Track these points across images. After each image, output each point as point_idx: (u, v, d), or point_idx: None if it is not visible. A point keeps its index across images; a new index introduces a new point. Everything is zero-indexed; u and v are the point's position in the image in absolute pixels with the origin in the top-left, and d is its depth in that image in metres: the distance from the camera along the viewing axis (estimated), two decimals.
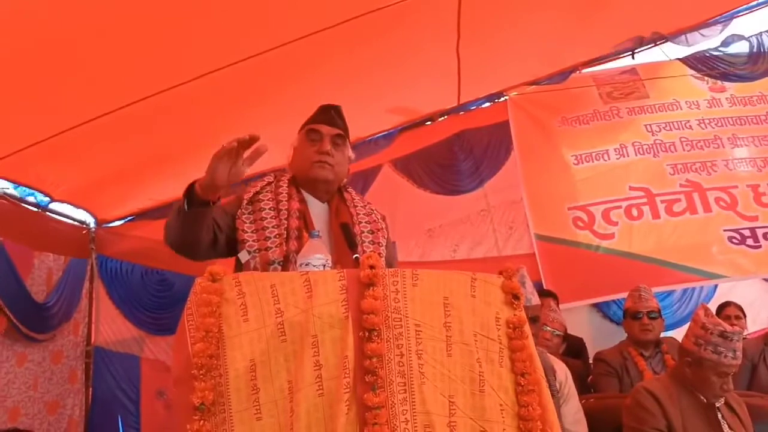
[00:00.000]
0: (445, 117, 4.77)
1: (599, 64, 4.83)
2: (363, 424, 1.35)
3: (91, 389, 4.23)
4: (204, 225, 1.76)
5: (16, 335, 3.66)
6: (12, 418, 3.56)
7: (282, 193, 1.95)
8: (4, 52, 2.42)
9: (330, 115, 2.06)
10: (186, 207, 1.69)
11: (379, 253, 1.93)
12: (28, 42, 2.42)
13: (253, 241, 1.85)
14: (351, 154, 2.11)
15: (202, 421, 1.36)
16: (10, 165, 3.30)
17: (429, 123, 4.76)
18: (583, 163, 4.69)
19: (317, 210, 2.00)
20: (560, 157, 4.70)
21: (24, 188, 3.68)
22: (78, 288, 4.25)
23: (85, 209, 4.23)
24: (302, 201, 1.98)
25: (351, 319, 1.41)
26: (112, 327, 4.31)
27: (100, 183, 3.90)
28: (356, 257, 1.83)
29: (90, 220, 4.33)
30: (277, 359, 1.39)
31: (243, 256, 1.81)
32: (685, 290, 4.92)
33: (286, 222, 1.87)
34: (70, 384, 4.09)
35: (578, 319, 4.39)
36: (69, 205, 4.08)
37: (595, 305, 4.64)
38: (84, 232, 4.32)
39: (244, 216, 1.90)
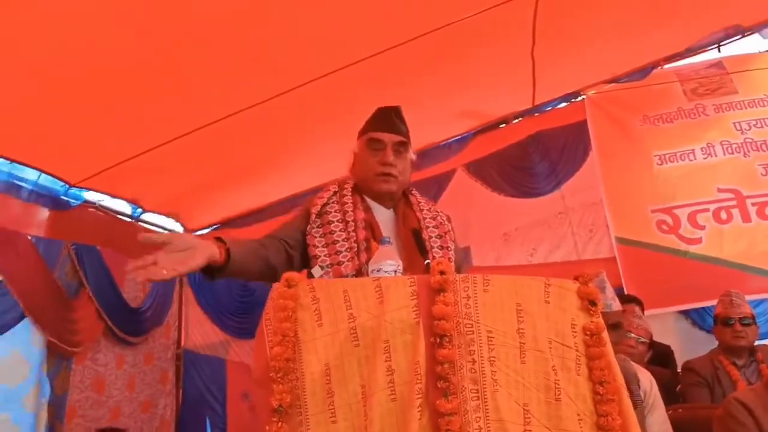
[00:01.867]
0: (520, 119, 4.70)
1: (683, 58, 4.61)
2: (436, 430, 1.35)
3: (181, 390, 4.45)
4: (248, 266, 1.75)
5: (114, 339, 3.90)
6: (114, 417, 3.79)
7: (347, 203, 1.94)
8: (100, 78, 2.60)
9: (390, 119, 2.02)
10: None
11: (449, 258, 1.91)
12: (119, 68, 2.59)
13: (325, 256, 1.85)
14: (413, 156, 2.07)
15: (280, 423, 1.39)
16: (106, 179, 3.53)
17: (503, 126, 4.71)
18: (667, 163, 4.48)
19: (383, 217, 1.99)
20: (642, 157, 4.51)
21: (118, 200, 3.92)
22: (169, 293, 4.47)
23: (174, 218, 4.46)
24: (367, 209, 1.97)
25: (422, 324, 1.42)
26: (200, 331, 4.51)
27: (187, 193, 4.11)
28: (427, 263, 1.83)
29: (179, 229, 4.56)
30: (351, 363, 1.42)
31: (316, 272, 1.82)
32: None
33: (354, 234, 1.86)
34: (161, 385, 4.32)
35: (665, 326, 4.20)
36: (159, 215, 4.32)
37: (683, 312, 4.44)
38: None
39: (313, 231, 1.91)
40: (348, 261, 1.82)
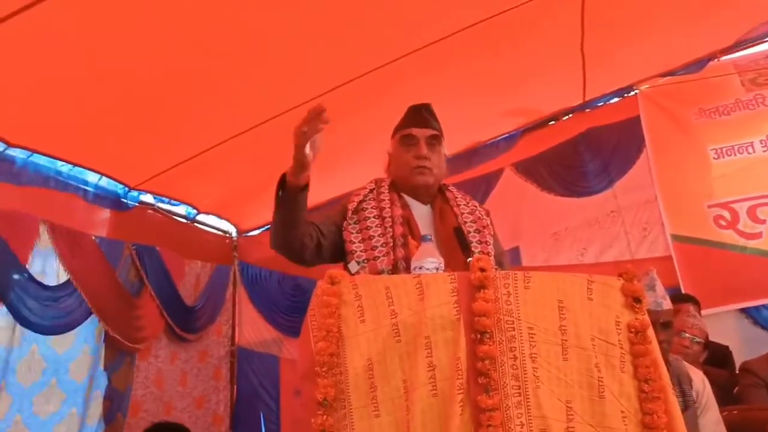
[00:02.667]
0: (570, 116, 4.62)
1: (741, 49, 4.44)
2: (477, 425, 1.37)
3: (235, 387, 4.57)
4: (302, 213, 1.81)
5: (171, 336, 4.05)
6: (167, 411, 3.92)
7: (384, 200, 1.98)
8: (157, 86, 2.72)
9: (422, 115, 2.07)
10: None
11: (488, 252, 1.91)
12: (174, 75, 2.70)
13: (361, 251, 1.89)
14: (446, 151, 2.10)
15: (325, 416, 1.44)
16: (163, 181, 3.67)
17: (552, 123, 4.64)
18: (724, 156, 4.33)
19: (420, 212, 2.01)
20: (698, 151, 4.37)
21: (175, 202, 4.07)
22: (222, 292, 4.60)
23: (227, 220, 4.60)
24: (405, 206, 1.99)
25: (462, 321, 1.43)
26: (253, 329, 4.62)
27: (240, 195, 4.21)
28: (470, 261, 1.84)
29: (232, 230, 4.70)
30: (393, 359, 1.45)
31: (353, 267, 1.86)
32: None
33: (391, 230, 1.89)
34: (215, 381, 4.44)
35: (724, 325, 4.05)
36: (213, 216, 4.45)
37: (744, 310, 4.27)
38: (227, 240, 4.69)
39: (350, 227, 1.94)
40: (383, 256, 1.85)
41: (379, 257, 1.85)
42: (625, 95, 4.58)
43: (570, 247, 4.48)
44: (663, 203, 4.35)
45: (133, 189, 3.68)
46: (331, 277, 1.53)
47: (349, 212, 1.98)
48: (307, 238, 1.87)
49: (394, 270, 1.82)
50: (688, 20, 3.78)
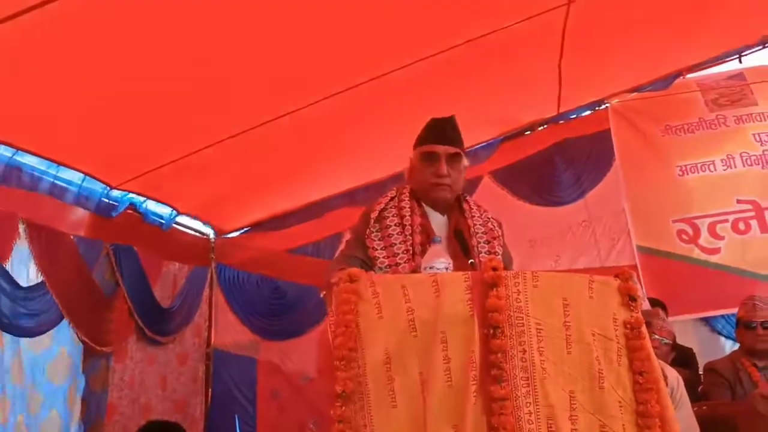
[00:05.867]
0: (545, 126, 4.81)
1: (705, 68, 4.71)
2: (490, 413, 1.47)
3: (210, 389, 4.56)
4: None
5: (143, 338, 3.98)
6: (144, 414, 3.87)
7: (405, 207, 2.06)
8: (142, 85, 2.72)
9: (444, 131, 2.11)
10: None
11: None
12: (159, 76, 2.71)
13: (384, 257, 1.98)
14: (466, 162, 2.18)
15: (343, 408, 1.52)
16: (144, 182, 3.66)
17: (528, 133, 4.82)
18: (688, 174, 4.59)
19: (437, 221, 2.11)
20: (664, 167, 4.61)
21: (155, 202, 4.05)
22: (198, 294, 4.58)
23: (206, 221, 4.60)
24: (423, 215, 2.09)
25: (476, 317, 1.53)
26: (230, 331, 4.62)
27: (220, 197, 4.23)
28: (471, 262, 1.95)
29: (210, 232, 4.70)
30: (410, 353, 1.54)
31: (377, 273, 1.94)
32: None
33: (410, 238, 1.99)
34: (194, 384, 4.43)
35: (684, 332, 4.27)
36: (192, 218, 4.45)
37: (702, 318, 4.53)
38: (205, 242, 4.69)
39: (372, 235, 2.03)
40: (405, 263, 1.95)
41: (400, 264, 1.95)
42: (597, 108, 4.80)
43: (545, 254, 4.65)
44: (630, 215, 4.57)
45: (115, 188, 3.66)
46: (350, 275, 1.60)
47: (372, 221, 2.06)
48: None
49: None
50: (658, 39, 3.99)
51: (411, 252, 1.96)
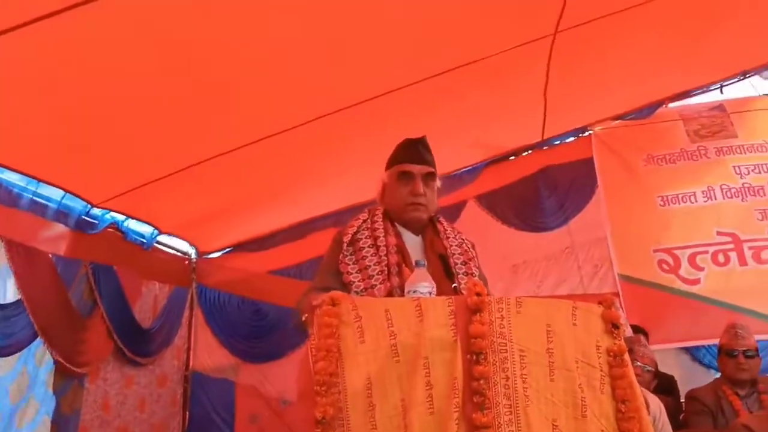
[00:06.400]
0: (530, 152, 4.86)
1: (687, 98, 4.79)
2: None
3: (188, 412, 4.47)
4: None
5: (122, 359, 3.92)
6: None
7: (378, 228, 2.06)
8: (125, 102, 2.70)
9: (418, 151, 2.14)
10: None
11: None
12: (143, 93, 2.68)
13: (359, 281, 1.95)
14: (439, 183, 2.19)
15: None
16: (126, 200, 3.62)
17: (513, 158, 4.86)
18: (669, 204, 4.65)
19: (412, 242, 2.10)
20: (646, 197, 4.67)
21: (137, 221, 4.00)
22: (179, 315, 4.52)
23: (188, 241, 4.55)
24: (398, 235, 2.08)
25: (459, 342, 1.52)
26: (210, 353, 4.55)
27: (203, 216, 4.19)
28: (454, 286, 1.94)
29: (192, 252, 4.65)
30: (391, 378, 1.52)
31: None
32: None
33: (386, 258, 1.97)
34: (172, 407, 4.33)
35: (666, 360, 4.29)
36: (174, 237, 4.40)
37: (683, 348, 4.55)
38: (186, 262, 4.63)
39: (346, 258, 2.02)
40: (380, 284, 1.93)
41: (376, 285, 1.93)
42: (581, 135, 4.86)
43: (528, 279, 4.67)
44: (612, 244, 4.60)
45: (96, 206, 3.61)
46: (332, 298, 1.58)
47: (345, 245, 2.04)
48: None
49: (390, 297, 1.89)
50: (642, 68, 4.06)
51: (386, 272, 1.94)
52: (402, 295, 1.84)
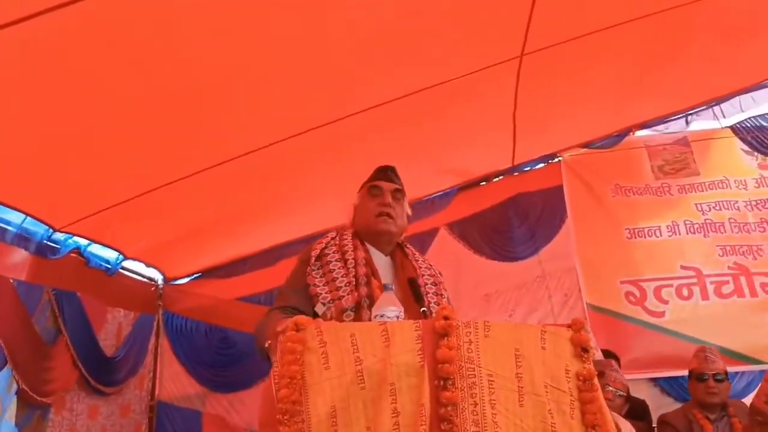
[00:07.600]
0: (501, 178, 4.89)
1: (653, 125, 4.89)
2: None
3: None
4: None
5: (87, 388, 3.80)
6: None
7: (347, 244, 2.07)
8: (87, 125, 2.64)
9: (387, 173, 2.24)
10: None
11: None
12: (107, 114, 2.62)
13: (326, 293, 1.94)
14: (409, 210, 2.25)
15: None
16: (89, 224, 3.53)
17: (484, 184, 4.88)
18: (636, 237, 4.76)
19: (381, 262, 2.11)
20: (614, 228, 4.77)
21: (101, 246, 3.90)
22: (145, 343, 4.40)
23: (154, 267, 4.45)
24: (367, 251, 2.09)
25: (426, 368, 1.48)
26: (176, 382, 4.43)
27: (169, 241, 4.11)
28: (423, 310, 1.92)
29: (158, 277, 4.54)
30: (357, 406, 1.47)
31: (319, 308, 1.91)
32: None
33: (354, 270, 1.97)
34: None
35: (636, 391, 4.29)
36: (140, 263, 4.30)
37: (653, 379, 4.58)
38: (152, 288, 4.53)
39: (313, 272, 2.01)
40: (348, 294, 1.91)
41: (343, 296, 1.91)
42: (550, 161, 4.91)
43: (500, 308, 4.68)
44: (581, 274, 4.68)
45: (58, 231, 3.51)
46: (297, 323, 1.53)
47: (312, 259, 2.04)
48: None
49: (358, 308, 1.88)
50: (610, 96, 4.13)
51: (354, 284, 1.93)
52: (371, 305, 1.83)
